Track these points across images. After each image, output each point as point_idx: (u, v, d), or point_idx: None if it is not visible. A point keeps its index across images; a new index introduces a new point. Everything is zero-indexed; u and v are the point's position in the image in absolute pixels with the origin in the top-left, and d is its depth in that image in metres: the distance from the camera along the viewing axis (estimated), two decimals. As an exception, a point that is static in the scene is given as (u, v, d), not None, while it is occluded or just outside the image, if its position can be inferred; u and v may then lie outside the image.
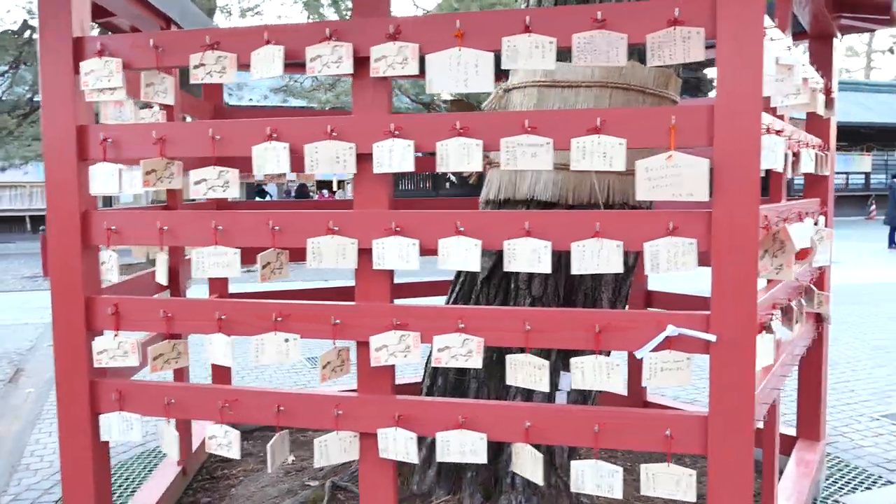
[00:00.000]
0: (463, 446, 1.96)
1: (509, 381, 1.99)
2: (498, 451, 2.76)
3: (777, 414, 2.60)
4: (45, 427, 4.29)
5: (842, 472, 3.55)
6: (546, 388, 1.93)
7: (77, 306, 2.18)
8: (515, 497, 2.73)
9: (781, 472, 3.11)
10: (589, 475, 1.92)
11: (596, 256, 1.84)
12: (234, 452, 2.11)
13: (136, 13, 2.80)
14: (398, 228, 1.96)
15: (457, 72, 1.89)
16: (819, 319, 3.24)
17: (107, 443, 2.28)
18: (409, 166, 1.93)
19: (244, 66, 2.06)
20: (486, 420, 1.96)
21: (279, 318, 2.06)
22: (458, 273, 3.09)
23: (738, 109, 1.73)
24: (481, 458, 1.96)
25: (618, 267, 1.84)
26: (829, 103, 3.15)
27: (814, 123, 3.26)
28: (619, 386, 1.87)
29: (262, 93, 16.35)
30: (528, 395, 2.83)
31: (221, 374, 3.64)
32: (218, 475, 3.46)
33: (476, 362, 1.94)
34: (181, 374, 3.20)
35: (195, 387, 2.18)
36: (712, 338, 1.79)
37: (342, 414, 2.05)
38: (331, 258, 2.00)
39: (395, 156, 1.94)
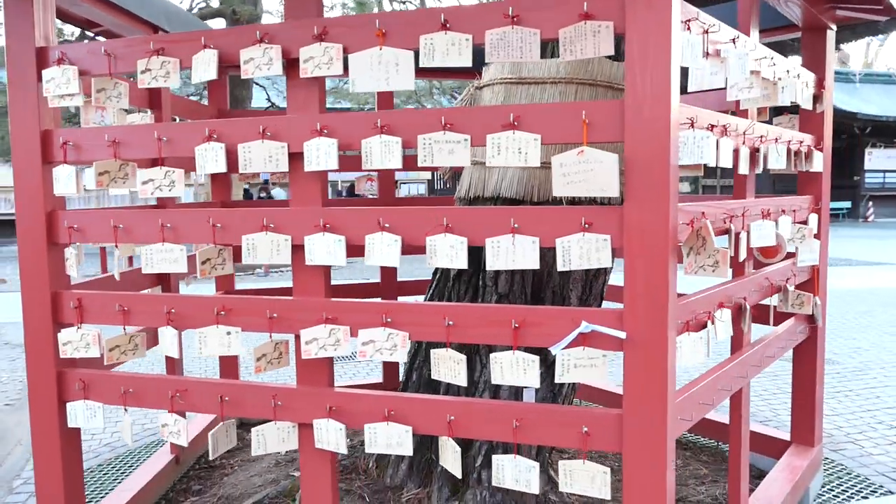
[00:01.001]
0: (389, 438, 2.00)
1: (434, 374, 2.01)
2: (468, 446, 2.78)
3: (743, 414, 2.54)
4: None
5: (841, 479, 3.41)
6: (463, 383, 1.95)
7: (44, 301, 2.31)
8: (480, 492, 2.74)
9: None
10: (509, 470, 1.93)
11: (511, 253, 1.85)
12: (182, 440, 2.20)
13: (116, 22, 2.93)
14: (327, 225, 2.01)
15: (378, 71, 1.92)
16: (811, 321, 3.14)
17: (76, 429, 2.40)
18: (333, 164, 1.98)
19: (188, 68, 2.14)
20: (412, 414, 1.99)
21: (222, 312, 2.14)
22: (436, 270, 3.12)
23: (646, 104, 1.71)
24: (407, 450, 1.99)
25: (534, 263, 1.84)
26: (819, 97, 3.06)
27: (806, 118, 3.16)
28: (535, 381, 1.87)
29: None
30: (496, 391, 2.84)
31: (228, 366, 3.78)
32: (216, 464, 3.58)
33: (401, 356, 1.98)
34: (173, 366, 3.34)
35: (148, 377, 2.28)
36: (622, 335, 1.77)
37: (280, 405, 2.12)
38: (265, 254, 2.06)
39: (321, 154, 1.99)
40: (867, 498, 3.21)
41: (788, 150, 2.69)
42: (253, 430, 2.12)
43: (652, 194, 1.73)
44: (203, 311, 2.15)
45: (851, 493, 3.25)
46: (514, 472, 1.91)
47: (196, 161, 2.11)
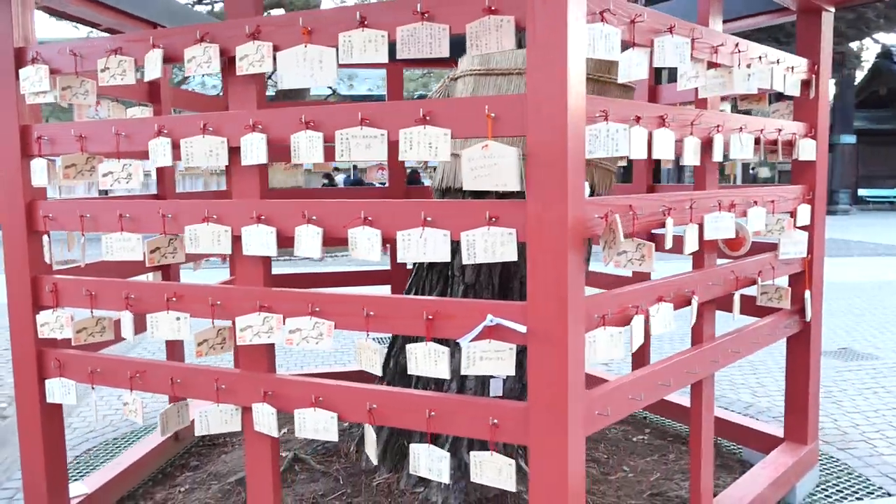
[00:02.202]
0: (317, 423, 2.08)
1: (358, 363, 2.07)
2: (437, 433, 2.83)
3: (704, 410, 2.49)
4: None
5: (840, 479, 3.29)
6: (378, 372, 2.00)
7: (25, 285, 2.49)
8: (445, 479, 2.79)
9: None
10: (423, 459, 1.97)
11: (422, 245, 1.88)
12: (139, 419, 2.34)
13: (115, 21, 3.09)
14: (262, 217, 2.10)
15: (303, 67, 1.98)
16: (802, 315, 3.03)
17: (57, 405, 2.58)
18: (263, 159, 2.06)
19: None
20: (337, 401, 2.06)
21: (173, 299, 2.26)
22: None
23: (544, 98, 1.71)
24: (332, 436, 2.06)
25: (444, 256, 1.87)
26: (810, 83, 2.94)
27: (799, 106, 3.04)
28: (445, 373, 1.90)
29: (375, 82, 16.85)
30: (462, 381, 2.88)
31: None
32: (219, 442, 3.76)
33: (326, 344, 2.04)
34: (172, 351, 3.52)
35: (112, 358, 2.42)
36: (522, 329, 1.78)
37: (224, 388, 2.22)
38: (207, 244, 2.16)
39: (254, 149, 2.07)
40: (861, 499, 3.09)
41: (760, 140, 2.59)
42: (196, 411, 2.23)
43: (551, 188, 1.72)
44: (157, 297, 2.28)
45: (846, 494, 3.14)
46: (427, 461, 1.96)
47: (149, 154, 2.23)
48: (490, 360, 1.84)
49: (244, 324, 2.12)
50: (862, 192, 23.25)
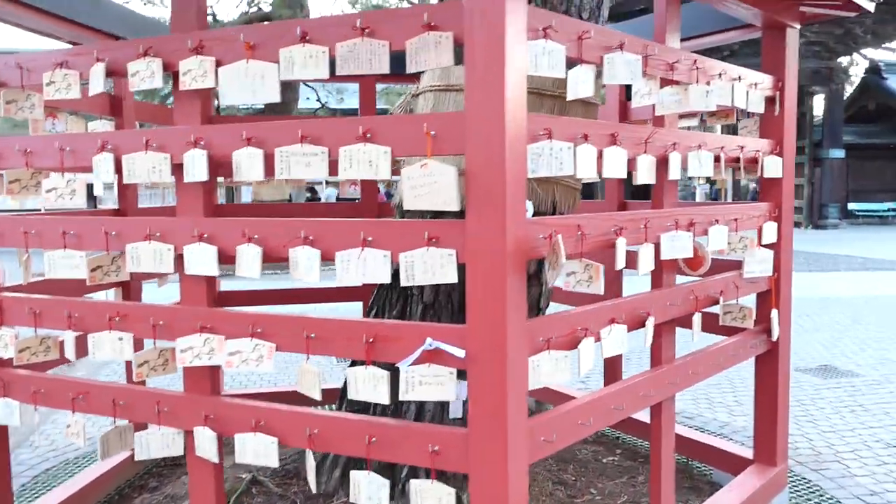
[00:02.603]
0: (257, 448, 2.02)
1: (298, 388, 2.02)
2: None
3: (665, 433, 2.44)
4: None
5: (810, 501, 3.24)
6: (317, 397, 1.95)
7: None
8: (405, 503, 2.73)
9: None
10: (364, 487, 1.91)
11: (362, 266, 1.83)
12: (81, 441, 2.28)
13: (73, 34, 3.05)
14: (203, 235, 2.05)
15: (245, 83, 1.94)
16: (769, 334, 2.99)
17: (2, 426, 2.51)
18: (204, 176, 2.01)
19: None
20: (278, 425, 2.00)
21: (116, 318, 2.20)
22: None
23: (482, 117, 1.67)
24: (273, 461, 2.00)
25: (384, 277, 1.82)
26: (778, 100, 2.91)
27: (765, 122, 3.01)
28: (385, 398, 1.84)
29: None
30: (421, 404, 2.83)
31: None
32: (181, 462, 3.68)
33: (267, 367, 1.99)
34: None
35: (55, 379, 2.36)
36: (461, 353, 1.73)
37: (166, 411, 2.16)
38: (149, 263, 2.11)
39: (196, 165, 2.02)
40: (829, 524, 3.04)
41: (720, 157, 2.56)
42: (136, 435, 2.17)
43: (489, 208, 1.68)
44: (99, 316, 2.22)
45: (813, 518, 3.09)
46: (367, 489, 1.90)
47: (93, 169, 2.18)
48: (430, 385, 1.79)
49: (185, 345, 2.07)
50: (852, 206, 23.30)
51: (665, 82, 2.32)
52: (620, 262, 2.06)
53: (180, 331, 2.09)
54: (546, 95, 2.70)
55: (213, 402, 2.10)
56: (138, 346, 2.18)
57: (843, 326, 7.19)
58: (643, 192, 4.03)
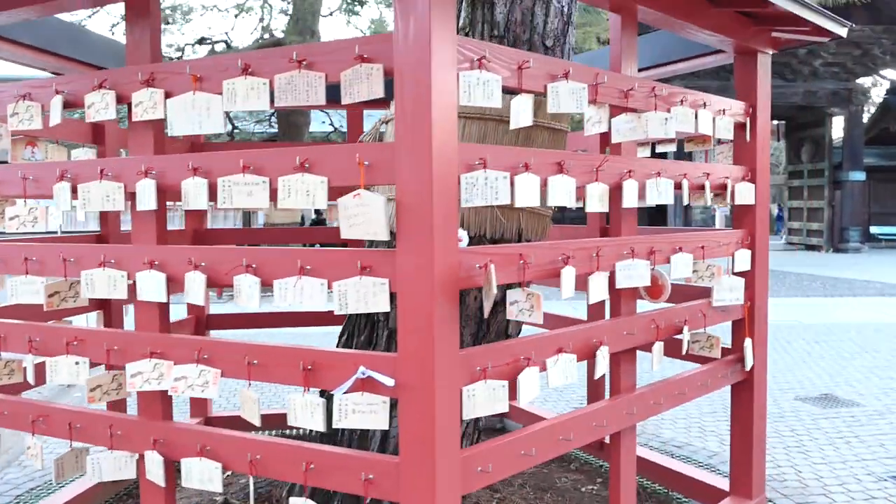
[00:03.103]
0: (202, 474, 2.03)
1: (241, 414, 2.03)
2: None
3: (624, 464, 2.41)
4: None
5: (789, 535, 3.17)
6: (257, 423, 1.96)
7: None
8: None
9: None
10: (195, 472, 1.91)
11: (299, 294, 1.85)
12: (39, 464, 2.31)
13: (58, 66, 3.13)
14: (154, 263, 2.08)
15: (192, 114, 1.98)
16: (742, 363, 2.95)
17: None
18: (152, 205, 2.05)
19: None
20: (222, 450, 2.02)
21: (74, 343, 2.24)
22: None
23: (410, 146, 1.69)
24: (216, 486, 2.01)
25: (320, 303, 1.84)
26: (749, 126, 2.90)
27: (738, 148, 3.00)
28: (320, 425, 1.85)
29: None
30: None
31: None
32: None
33: (212, 392, 2.01)
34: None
35: (15, 401, 2.40)
36: (389, 382, 1.74)
37: (119, 434, 2.19)
38: (103, 289, 2.15)
39: (146, 195, 2.06)
40: (807, 558, 2.97)
41: (681, 185, 2.55)
42: (88, 458, 2.20)
43: (418, 238, 1.69)
44: (58, 341, 2.26)
45: (791, 553, 3.02)
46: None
47: (54, 198, 2.23)
48: (363, 413, 1.79)
49: (134, 370, 2.09)
50: (874, 229, 22.94)
51: (621, 110, 2.33)
52: (566, 292, 2.05)
53: (132, 356, 2.12)
54: (508, 122, 2.71)
55: (162, 427, 2.12)
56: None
57: (850, 354, 7.05)
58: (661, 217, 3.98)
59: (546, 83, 2.02)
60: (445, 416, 1.73)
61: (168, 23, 12.74)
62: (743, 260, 2.91)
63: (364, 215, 1.77)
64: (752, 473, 3.03)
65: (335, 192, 1.85)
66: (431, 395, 1.70)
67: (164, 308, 2.16)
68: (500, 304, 2.85)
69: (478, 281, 1.84)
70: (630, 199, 2.33)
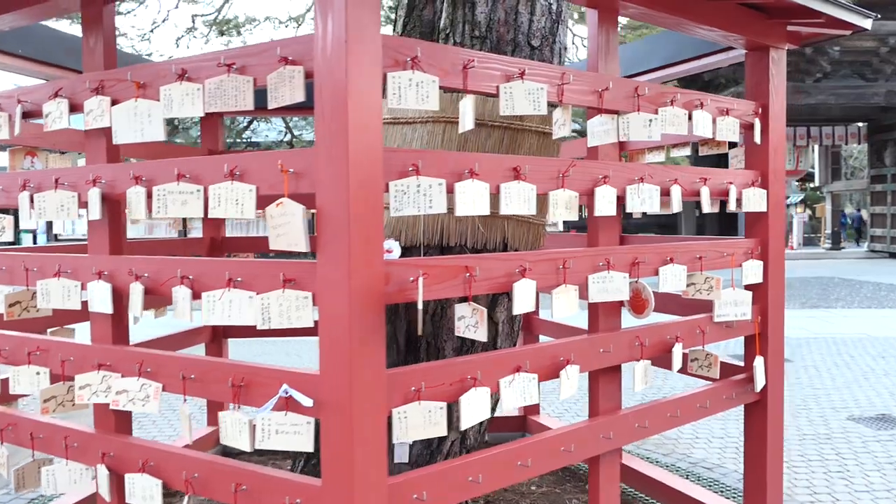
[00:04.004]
0: (144, 490, 1.98)
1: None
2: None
3: (604, 492, 2.24)
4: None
5: (811, 572, 2.90)
6: (189, 441, 1.89)
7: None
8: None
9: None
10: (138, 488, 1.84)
11: (227, 308, 1.77)
12: (3, 472, 2.31)
13: (35, 70, 3.17)
14: (103, 273, 2.05)
15: (135, 122, 1.94)
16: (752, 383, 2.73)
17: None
18: (97, 214, 2.02)
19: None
20: (164, 467, 1.96)
21: (37, 353, 2.23)
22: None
23: (329, 152, 1.59)
24: (157, 503, 1.96)
25: (250, 319, 1.76)
26: (759, 127, 2.68)
27: (750, 152, 2.78)
28: (246, 445, 1.77)
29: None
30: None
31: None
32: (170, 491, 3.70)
33: (153, 407, 1.95)
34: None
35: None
36: (307, 402, 1.64)
37: (76, 446, 2.17)
38: (58, 300, 2.13)
39: (93, 204, 2.04)
40: None
41: (670, 191, 2.36)
42: (43, 469, 2.18)
43: (335, 249, 1.59)
44: (20, 351, 2.26)
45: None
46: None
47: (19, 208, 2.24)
48: (286, 434, 1.70)
49: (83, 382, 2.07)
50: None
51: (597, 111, 2.17)
52: (518, 307, 1.91)
53: (83, 368, 2.10)
54: (495, 127, 2.59)
55: (112, 441, 2.09)
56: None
57: (920, 371, 6.54)
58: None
59: (499, 83, 1.89)
60: (367, 439, 1.62)
61: (222, 34, 13.05)
62: (753, 271, 2.69)
63: (287, 225, 1.68)
64: (764, 498, 2.79)
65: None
66: (349, 416, 1.59)
67: (116, 319, 2.12)
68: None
69: (411, 295, 1.72)
70: (605, 207, 2.16)
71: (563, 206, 2.06)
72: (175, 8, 12.39)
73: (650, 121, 2.25)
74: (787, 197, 28.17)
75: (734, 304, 2.59)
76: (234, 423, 1.79)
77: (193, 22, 12.94)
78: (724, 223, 20.15)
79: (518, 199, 1.93)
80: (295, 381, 1.69)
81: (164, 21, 12.34)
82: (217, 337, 4.21)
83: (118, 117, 1.96)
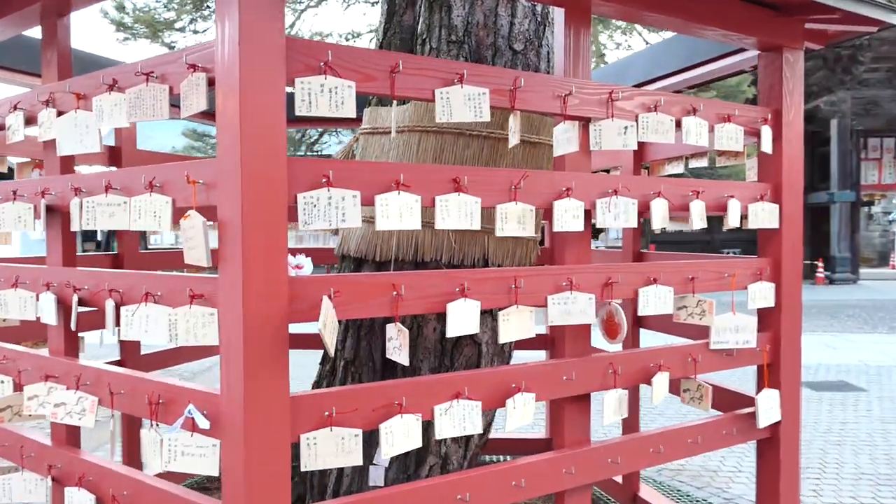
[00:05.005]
0: (79, 505, 1.95)
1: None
2: None
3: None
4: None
5: None
6: (157, 471, 1.84)
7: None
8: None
9: None
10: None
11: (144, 322, 1.72)
12: (-26, 480, 2.34)
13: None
14: (50, 285, 2.05)
15: (75, 133, 1.93)
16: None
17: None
18: (40, 226, 2.02)
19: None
20: (99, 482, 1.92)
21: (4, 361, 2.26)
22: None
23: (226, 163, 1.51)
24: (89, 520, 1.92)
25: (163, 336, 1.70)
26: (769, 136, 2.46)
27: (762, 163, 2.55)
28: (158, 466, 1.70)
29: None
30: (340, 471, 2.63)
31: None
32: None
33: (89, 421, 1.92)
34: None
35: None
36: (204, 424, 1.55)
37: (32, 456, 2.17)
38: (16, 310, 2.15)
39: (41, 215, 2.04)
40: None
41: (649, 205, 2.16)
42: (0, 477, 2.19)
43: (231, 264, 1.51)
44: (-10, 359, 2.29)
45: None
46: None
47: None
48: (192, 455, 1.63)
49: (31, 393, 2.06)
50: None
51: (564, 118, 2.02)
52: (452, 329, 1.77)
53: (34, 379, 2.10)
54: (474, 136, 2.47)
55: (57, 453, 2.07)
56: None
57: None
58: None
59: (434, 88, 1.77)
60: (264, 464, 1.52)
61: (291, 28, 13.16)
62: (761, 295, 2.44)
63: (195, 238, 1.62)
64: (776, 545, 2.52)
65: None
66: (240, 440, 1.50)
67: (66, 331, 2.11)
68: (466, 336, 2.59)
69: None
70: (567, 222, 1.99)
71: (515, 221, 1.91)
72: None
73: (625, 128, 2.07)
74: (889, 213, 26.38)
75: (734, 331, 2.35)
76: (149, 442, 1.73)
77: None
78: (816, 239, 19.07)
79: (458, 214, 1.79)
80: (200, 400, 1.61)
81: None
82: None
83: (61, 128, 1.95)
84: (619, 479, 3.53)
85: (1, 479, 2.19)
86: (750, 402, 2.52)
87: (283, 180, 1.54)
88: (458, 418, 1.81)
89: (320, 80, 1.59)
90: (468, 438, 2.70)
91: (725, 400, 2.60)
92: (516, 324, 1.90)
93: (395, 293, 1.71)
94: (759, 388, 2.48)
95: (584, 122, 2.07)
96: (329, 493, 2.67)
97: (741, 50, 2.82)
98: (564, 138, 2.00)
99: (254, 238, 1.49)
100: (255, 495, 1.51)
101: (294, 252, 3.17)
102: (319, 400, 1.62)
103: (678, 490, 3.98)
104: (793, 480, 2.54)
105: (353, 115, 1.63)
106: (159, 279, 1.72)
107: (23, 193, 2.13)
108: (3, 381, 2.23)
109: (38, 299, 2.10)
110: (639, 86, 3.43)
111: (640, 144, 3.38)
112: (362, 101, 2.62)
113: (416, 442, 1.75)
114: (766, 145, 2.45)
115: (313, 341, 3.80)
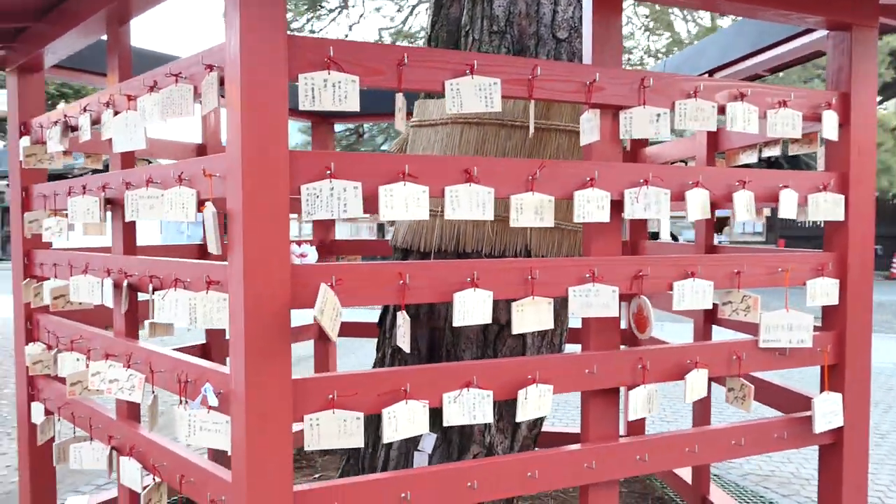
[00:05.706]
0: (127, 473, 2.12)
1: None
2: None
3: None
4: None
5: None
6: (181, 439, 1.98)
7: (20, 318, 2.92)
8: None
9: None
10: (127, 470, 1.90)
11: (174, 307, 1.85)
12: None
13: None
14: (112, 271, 2.24)
15: (126, 132, 2.08)
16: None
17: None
18: (96, 218, 2.21)
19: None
20: (147, 454, 2.09)
21: (80, 339, 2.49)
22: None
23: (231, 155, 1.60)
24: (136, 486, 2.09)
25: (183, 320, 1.82)
26: (835, 122, 2.31)
27: (829, 151, 2.39)
28: (182, 439, 1.82)
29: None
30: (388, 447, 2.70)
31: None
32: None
33: (137, 396, 2.09)
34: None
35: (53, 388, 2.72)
36: (214, 401, 1.65)
37: (100, 428, 2.38)
38: (86, 294, 2.36)
39: (101, 207, 2.23)
40: None
41: (685, 196, 2.07)
42: (72, 446, 2.41)
43: (235, 252, 1.60)
44: (67, 339, 2.52)
45: None
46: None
47: None
48: (209, 431, 1.74)
49: (94, 370, 2.26)
50: None
51: (590, 106, 1.98)
52: (458, 318, 1.78)
53: (100, 357, 2.30)
54: (516, 127, 2.47)
55: (114, 425, 2.25)
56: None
57: None
58: None
59: (445, 79, 1.78)
60: (265, 441, 1.60)
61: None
62: (823, 291, 2.28)
63: (209, 228, 1.73)
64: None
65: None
66: (242, 417, 1.59)
67: (127, 313, 2.29)
68: (507, 326, 2.59)
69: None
70: (591, 212, 1.95)
71: (532, 212, 1.89)
72: (357, 23, 13.15)
73: (658, 115, 2.00)
74: None
75: (787, 329, 2.22)
76: (179, 417, 1.87)
77: (380, 35, 13.64)
78: None
79: (469, 204, 1.81)
80: (217, 380, 1.72)
81: (345, 36, 13.14)
82: (324, 334, 4.38)
83: (115, 127, 2.13)
84: (688, 479, 3.40)
85: (73, 446, 2.42)
86: (804, 403, 2.37)
87: (284, 172, 1.61)
88: (467, 407, 1.82)
89: (323, 76, 1.65)
90: (515, 429, 2.70)
91: (784, 401, 2.45)
92: (532, 315, 1.89)
93: (401, 282, 1.74)
94: (822, 391, 2.33)
95: (614, 111, 2.02)
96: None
97: (803, 32, 2.64)
98: (588, 127, 1.96)
99: (254, 227, 1.58)
100: (255, 468, 1.60)
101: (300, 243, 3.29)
102: (322, 383, 1.69)
103: (761, 496, 3.78)
104: (858, 493, 2.36)
105: (356, 108, 1.68)
106: (185, 266, 1.85)
107: (91, 188, 2.33)
108: (78, 359, 2.45)
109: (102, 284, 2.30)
110: (711, 73, 3.27)
111: (714, 133, 3.25)
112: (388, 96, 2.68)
113: (423, 428, 1.78)
114: (830, 131, 2.28)
115: (368, 329, 3.87)
